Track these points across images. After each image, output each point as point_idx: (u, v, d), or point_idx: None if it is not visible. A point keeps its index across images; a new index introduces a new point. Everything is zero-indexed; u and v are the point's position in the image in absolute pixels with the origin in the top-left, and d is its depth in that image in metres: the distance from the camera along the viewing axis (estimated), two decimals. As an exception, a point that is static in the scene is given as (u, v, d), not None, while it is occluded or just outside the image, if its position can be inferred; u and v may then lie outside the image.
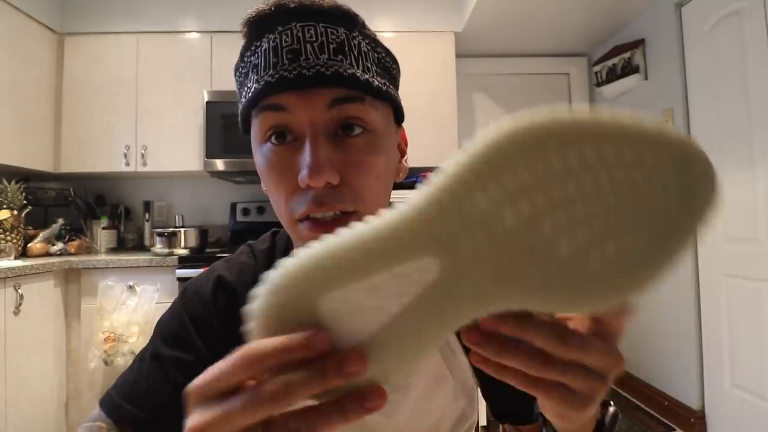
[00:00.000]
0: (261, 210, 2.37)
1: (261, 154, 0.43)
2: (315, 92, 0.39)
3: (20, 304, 1.62)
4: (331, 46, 0.40)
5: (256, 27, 0.41)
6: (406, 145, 0.52)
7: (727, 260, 1.74)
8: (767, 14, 1.54)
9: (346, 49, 0.41)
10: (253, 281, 0.54)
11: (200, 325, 0.50)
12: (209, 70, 2.24)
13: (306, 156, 0.39)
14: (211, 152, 2.12)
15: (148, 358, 0.49)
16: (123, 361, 1.81)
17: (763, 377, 1.58)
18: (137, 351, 2.01)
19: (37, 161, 2.08)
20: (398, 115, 0.47)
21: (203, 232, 2.12)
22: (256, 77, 0.41)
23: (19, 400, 1.62)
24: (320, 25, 0.40)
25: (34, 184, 2.19)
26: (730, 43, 1.69)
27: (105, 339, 1.82)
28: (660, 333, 2.09)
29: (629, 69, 2.22)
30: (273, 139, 0.41)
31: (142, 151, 2.20)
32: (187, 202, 2.49)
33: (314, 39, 0.40)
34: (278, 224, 0.46)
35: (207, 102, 2.13)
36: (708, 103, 1.81)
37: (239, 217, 2.37)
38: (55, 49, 2.20)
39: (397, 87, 0.48)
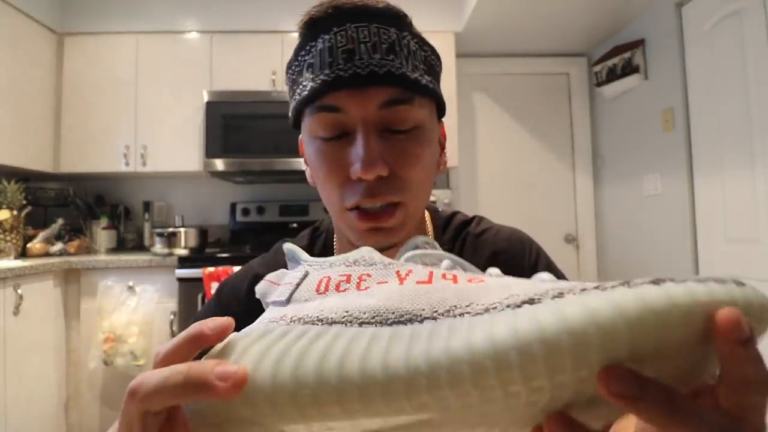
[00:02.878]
0: (261, 210, 2.37)
1: (314, 147, 0.45)
2: (368, 91, 0.41)
3: (20, 304, 1.62)
4: (384, 46, 0.42)
5: (312, 27, 0.43)
6: (444, 139, 0.54)
7: (727, 260, 1.74)
8: (767, 14, 1.54)
9: (397, 48, 0.42)
10: None
11: (236, 323, 0.50)
12: (209, 70, 2.24)
13: (359, 150, 0.41)
14: (211, 152, 2.12)
15: None
16: (123, 362, 1.81)
17: (763, 377, 1.58)
18: (137, 351, 1.99)
19: (37, 161, 2.08)
20: (440, 110, 0.50)
21: (203, 233, 2.12)
22: (311, 75, 0.43)
23: (19, 400, 1.62)
24: (373, 25, 0.42)
25: (33, 184, 2.19)
26: (730, 43, 1.69)
27: (105, 339, 1.82)
28: (660, 333, 2.08)
29: (629, 69, 2.22)
30: (327, 135, 0.43)
31: (142, 151, 2.20)
32: (186, 202, 2.49)
33: (368, 39, 0.41)
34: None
35: (207, 102, 2.13)
36: (708, 103, 1.81)
37: (239, 218, 2.37)
38: (55, 49, 2.20)
39: (439, 82, 0.50)
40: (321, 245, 0.57)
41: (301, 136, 0.52)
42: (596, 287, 0.17)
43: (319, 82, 0.41)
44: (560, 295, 0.18)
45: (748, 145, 1.63)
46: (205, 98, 2.13)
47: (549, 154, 2.68)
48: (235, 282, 0.55)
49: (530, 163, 2.67)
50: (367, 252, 0.26)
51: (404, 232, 0.45)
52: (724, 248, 1.75)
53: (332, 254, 0.55)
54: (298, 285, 0.24)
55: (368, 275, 0.23)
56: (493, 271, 0.24)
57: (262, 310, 0.51)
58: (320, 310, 0.22)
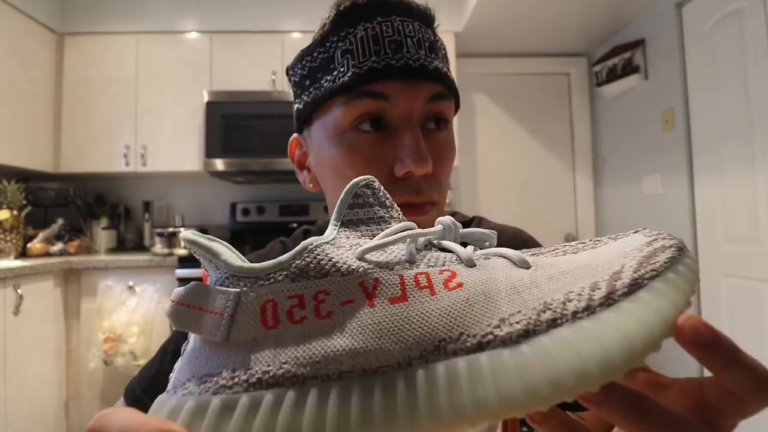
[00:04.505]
0: (261, 210, 2.37)
1: (344, 140, 0.42)
2: (418, 84, 0.40)
3: (20, 304, 1.62)
4: (426, 44, 0.42)
5: (350, 14, 0.41)
6: None
7: (727, 260, 1.74)
8: (767, 14, 1.54)
9: (435, 48, 0.44)
10: None
11: None
12: (209, 70, 2.24)
13: (409, 144, 0.39)
14: (211, 152, 2.12)
15: (170, 352, 0.50)
16: (123, 362, 1.81)
17: (763, 377, 1.58)
18: (137, 351, 1.99)
19: (37, 161, 2.08)
20: None
21: (203, 232, 2.12)
22: (352, 62, 0.40)
23: (19, 400, 1.62)
24: (416, 23, 0.42)
25: (34, 184, 2.19)
26: (730, 43, 1.69)
27: (105, 339, 1.82)
28: (660, 333, 2.08)
29: (629, 69, 2.22)
30: (366, 126, 0.41)
31: (142, 151, 2.20)
32: (187, 202, 2.49)
33: (413, 35, 0.41)
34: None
35: (207, 102, 2.13)
36: (708, 103, 1.81)
37: (239, 217, 2.37)
38: (55, 49, 2.20)
39: None
40: None
41: (295, 136, 0.50)
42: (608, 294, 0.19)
43: (365, 68, 0.39)
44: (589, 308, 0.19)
45: (748, 145, 1.63)
46: (205, 98, 2.13)
47: (549, 154, 2.68)
48: None
49: (530, 163, 2.67)
50: (308, 245, 0.20)
51: None
52: (724, 248, 1.75)
53: None
54: (233, 316, 0.19)
55: (325, 293, 0.19)
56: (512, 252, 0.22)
57: None
58: (281, 362, 0.18)
